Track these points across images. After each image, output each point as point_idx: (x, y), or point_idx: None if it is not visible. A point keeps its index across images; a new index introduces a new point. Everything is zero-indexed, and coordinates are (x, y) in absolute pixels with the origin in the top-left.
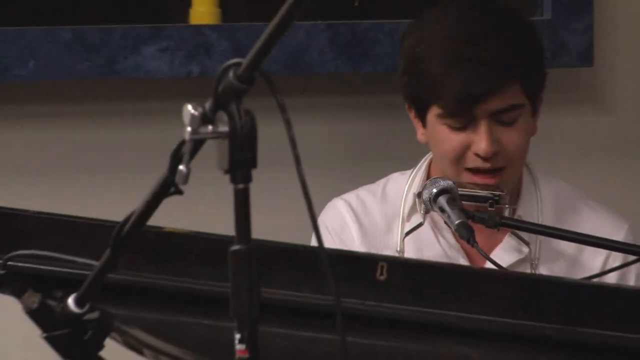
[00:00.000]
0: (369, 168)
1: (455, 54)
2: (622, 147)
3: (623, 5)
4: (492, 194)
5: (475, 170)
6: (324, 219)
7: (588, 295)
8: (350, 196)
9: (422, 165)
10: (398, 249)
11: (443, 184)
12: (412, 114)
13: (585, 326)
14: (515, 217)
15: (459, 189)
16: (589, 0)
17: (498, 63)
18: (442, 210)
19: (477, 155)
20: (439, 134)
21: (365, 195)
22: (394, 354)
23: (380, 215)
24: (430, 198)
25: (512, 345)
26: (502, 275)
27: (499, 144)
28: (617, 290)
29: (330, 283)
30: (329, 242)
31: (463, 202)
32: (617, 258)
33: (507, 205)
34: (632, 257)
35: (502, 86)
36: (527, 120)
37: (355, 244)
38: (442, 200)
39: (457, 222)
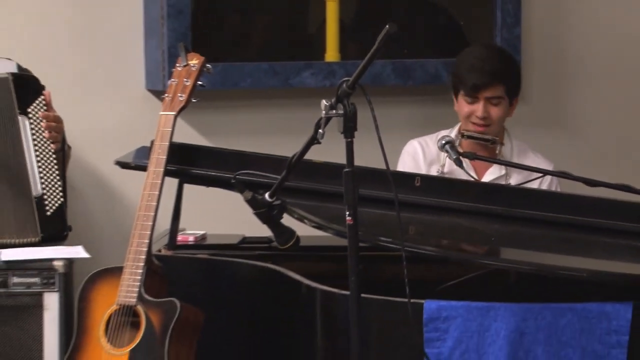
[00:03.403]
0: (411, 133)
1: (472, 66)
2: (535, 122)
3: (538, 50)
4: (492, 138)
5: (476, 124)
6: (406, 148)
7: (523, 194)
8: (420, 139)
9: (456, 126)
10: (441, 164)
11: (447, 138)
12: (454, 96)
13: (522, 208)
14: (498, 155)
15: (477, 133)
16: (518, 48)
17: (492, 73)
18: (446, 151)
19: (477, 116)
20: (462, 105)
21: (428, 139)
22: (423, 222)
23: (434, 149)
24: (442, 145)
25: (482, 217)
26: (476, 184)
27: (488, 113)
28: (538, 191)
29: (392, 186)
30: (407, 159)
31: (476, 140)
32: (545, 180)
33: (498, 146)
34: (555, 182)
35: (492, 85)
36: (504, 106)
37: (420, 160)
38: (447, 147)
39: (454, 157)
